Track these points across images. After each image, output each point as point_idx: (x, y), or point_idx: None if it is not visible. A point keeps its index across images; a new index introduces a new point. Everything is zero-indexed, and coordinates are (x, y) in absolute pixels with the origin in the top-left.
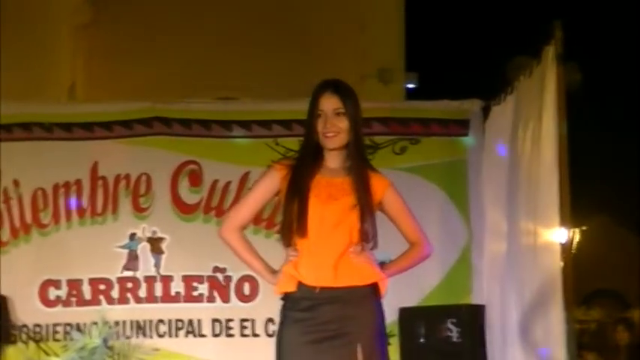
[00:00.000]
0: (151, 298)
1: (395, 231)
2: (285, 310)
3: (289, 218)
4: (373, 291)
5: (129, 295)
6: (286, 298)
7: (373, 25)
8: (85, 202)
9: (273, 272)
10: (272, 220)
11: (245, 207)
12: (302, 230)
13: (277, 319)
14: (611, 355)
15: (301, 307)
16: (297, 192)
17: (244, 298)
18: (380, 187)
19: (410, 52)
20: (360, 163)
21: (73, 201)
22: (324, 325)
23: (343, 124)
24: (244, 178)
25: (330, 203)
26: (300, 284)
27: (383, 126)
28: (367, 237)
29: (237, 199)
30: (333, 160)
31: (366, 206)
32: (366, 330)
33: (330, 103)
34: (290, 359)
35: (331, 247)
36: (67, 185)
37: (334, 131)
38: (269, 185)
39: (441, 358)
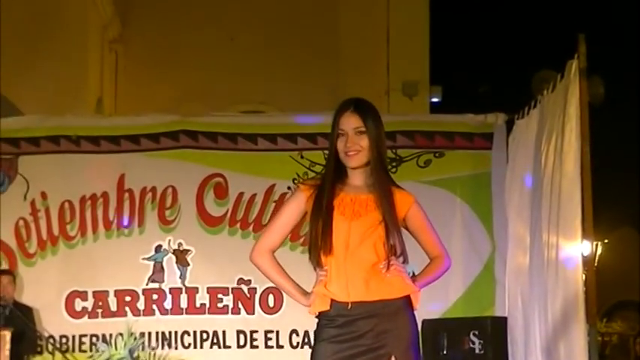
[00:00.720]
0: (176, 310)
1: (415, 244)
2: (320, 327)
3: (315, 237)
4: (406, 303)
5: (154, 306)
6: (321, 316)
7: (398, 40)
8: (111, 214)
9: (306, 294)
10: (296, 233)
11: (273, 230)
12: (327, 248)
13: (301, 330)
14: None
15: (336, 324)
16: (320, 211)
17: (269, 310)
18: (404, 203)
19: (434, 67)
20: (383, 180)
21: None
22: (359, 340)
23: (364, 142)
24: (269, 191)
25: (355, 220)
26: (333, 302)
27: (408, 139)
28: (395, 251)
29: (262, 212)
30: (357, 178)
31: (392, 221)
32: (400, 342)
33: (350, 123)
34: None
35: (359, 262)
36: (93, 197)
37: (355, 150)
38: (295, 207)
39: None
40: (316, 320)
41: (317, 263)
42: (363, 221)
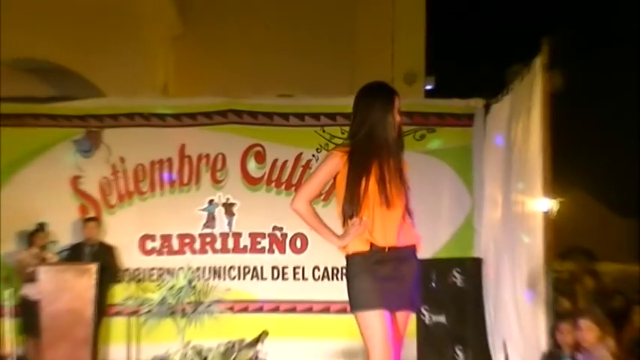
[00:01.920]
0: (224, 250)
1: None
2: (356, 263)
3: (357, 194)
4: (415, 248)
5: (207, 247)
6: (355, 255)
7: (400, 37)
8: (174, 175)
9: (338, 237)
10: None
11: (313, 185)
12: (384, 200)
13: (322, 267)
14: (579, 300)
15: (372, 261)
16: (364, 171)
17: (296, 250)
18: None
19: (429, 60)
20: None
21: (167, 175)
22: (388, 273)
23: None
24: (298, 158)
25: (390, 180)
26: (373, 245)
27: (407, 118)
28: (409, 206)
29: (292, 174)
30: None
31: (405, 179)
32: (412, 277)
33: (399, 103)
34: (364, 297)
35: (395, 215)
36: (160, 162)
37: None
38: (332, 168)
39: (448, 299)
40: (334, 258)
41: (357, 214)
42: (394, 181)
